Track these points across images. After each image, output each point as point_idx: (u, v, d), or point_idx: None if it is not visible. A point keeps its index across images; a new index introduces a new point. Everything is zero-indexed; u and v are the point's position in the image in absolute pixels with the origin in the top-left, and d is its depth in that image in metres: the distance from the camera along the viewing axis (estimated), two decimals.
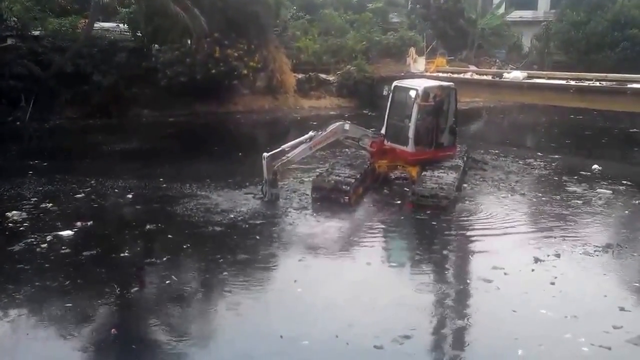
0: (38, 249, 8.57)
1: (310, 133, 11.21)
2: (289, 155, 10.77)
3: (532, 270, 8.12)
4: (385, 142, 12.34)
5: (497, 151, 16.73)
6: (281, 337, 6.23)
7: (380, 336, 6.25)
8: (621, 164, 16.42)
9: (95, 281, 7.66)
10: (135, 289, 7.51)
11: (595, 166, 14.53)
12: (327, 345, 6.20)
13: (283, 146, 10.92)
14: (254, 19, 21.28)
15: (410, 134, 11.97)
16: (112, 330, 6.44)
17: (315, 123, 22.28)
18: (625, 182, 13.16)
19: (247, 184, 12.07)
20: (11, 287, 7.43)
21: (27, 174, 12.94)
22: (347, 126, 11.75)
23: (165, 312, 6.98)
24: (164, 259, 8.46)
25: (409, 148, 12.08)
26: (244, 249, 8.81)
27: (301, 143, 11.05)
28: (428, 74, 23.20)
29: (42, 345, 6.29)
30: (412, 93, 12.09)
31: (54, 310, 6.97)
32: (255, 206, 10.77)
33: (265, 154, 10.61)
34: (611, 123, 22.30)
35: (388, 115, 12.53)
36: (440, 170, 11.96)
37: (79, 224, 9.61)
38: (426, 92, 12.07)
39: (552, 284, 7.71)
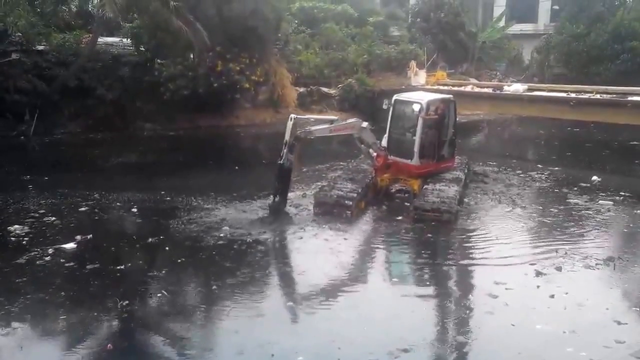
0: (40, 262, 8.59)
1: (333, 117, 11.27)
2: (311, 128, 10.78)
3: (538, 286, 8.09)
4: (388, 156, 12.38)
5: (496, 163, 16.74)
6: (272, 355, 6.17)
7: (376, 351, 6.25)
8: (620, 175, 16.47)
9: (93, 295, 7.67)
10: (127, 302, 7.45)
11: (594, 177, 14.57)
12: None
13: (309, 116, 10.95)
14: (253, 32, 21.42)
15: (416, 147, 12.02)
16: (108, 345, 6.41)
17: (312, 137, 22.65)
18: (624, 193, 13.20)
19: (255, 197, 12.14)
20: (9, 300, 7.44)
21: (30, 188, 12.98)
22: (364, 124, 11.73)
23: (155, 328, 6.94)
24: (162, 272, 8.48)
25: (414, 162, 12.12)
26: (244, 263, 8.81)
27: (324, 122, 11.13)
28: (429, 87, 23.35)
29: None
30: (416, 107, 12.13)
31: (49, 323, 6.98)
32: (259, 220, 10.77)
33: (292, 115, 10.64)
34: (610, 135, 22.34)
35: (390, 129, 12.52)
36: (442, 184, 12.00)
37: (78, 237, 9.63)
38: (430, 105, 12.17)
39: (552, 296, 7.70)
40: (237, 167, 15.93)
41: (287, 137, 10.55)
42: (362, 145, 11.94)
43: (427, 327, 7.04)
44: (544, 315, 7.17)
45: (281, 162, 10.55)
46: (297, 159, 10.78)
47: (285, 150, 10.53)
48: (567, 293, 7.82)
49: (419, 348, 6.44)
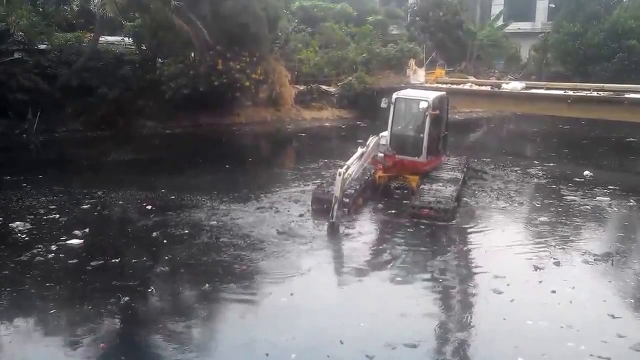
0: (43, 259, 8.66)
1: (360, 150, 11.11)
2: (350, 173, 10.38)
3: (540, 282, 8.20)
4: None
5: (494, 160, 16.97)
6: (267, 355, 6.20)
7: (372, 345, 6.32)
8: (612, 171, 16.81)
9: (95, 291, 7.72)
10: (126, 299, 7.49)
11: (586, 172, 14.89)
12: (316, 356, 6.30)
13: (347, 163, 10.54)
14: (246, 30, 21.47)
15: (425, 144, 12.21)
16: (101, 344, 6.44)
17: (304, 134, 22.77)
18: (613, 187, 13.58)
19: (252, 196, 12.27)
20: (8, 296, 7.54)
21: (32, 185, 12.98)
22: (382, 140, 11.84)
23: (151, 326, 6.99)
24: (158, 269, 8.55)
25: (422, 158, 12.31)
26: (243, 261, 8.82)
27: (355, 159, 10.86)
28: (427, 85, 23.51)
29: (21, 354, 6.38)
30: (423, 104, 12.31)
31: (48, 319, 7.05)
32: (257, 218, 10.86)
33: (341, 170, 10.09)
34: (606, 132, 22.67)
35: (392, 128, 12.50)
36: (440, 182, 12.20)
37: (78, 233, 9.74)
38: (435, 102, 12.41)
39: (554, 292, 7.80)
40: (227, 166, 15.92)
41: (337, 193, 9.96)
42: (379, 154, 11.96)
43: (424, 323, 7.07)
44: (542, 310, 7.26)
45: (332, 220, 9.99)
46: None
47: (335, 207, 9.95)
48: (565, 288, 7.92)
49: (418, 342, 6.50)
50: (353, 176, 10.59)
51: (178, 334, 6.79)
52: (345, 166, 10.31)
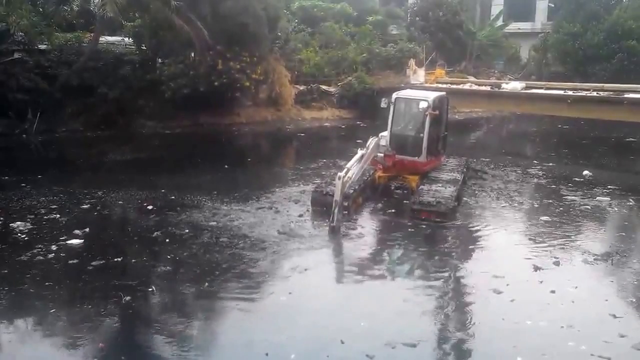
0: (43, 259, 8.66)
1: (360, 152, 11.07)
2: (350, 175, 10.35)
3: (540, 282, 8.19)
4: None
5: (494, 160, 16.98)
6: (267, 354, 6.20)
7: (373, 345, 6.33)
8: (611, 170, 16.83)
9: (96, 290, 7.73)
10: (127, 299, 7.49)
11: (586, 172, 14.93)
12: (315, 356, 6.30)
13: (347, 166, 10.50)
14: (246, 29, 21.43)
15: (425, 144, 12.23)
16: (100, 344, 6.45)
17: (304, 134, 22.77)
18: (613, 187, 13.61)
19: (252, 196, 12.27)
20: (8, 295, 7.55)
21: (32, 185, 12.98)
22: (382, 141, 11.84)
23: (149, 325, 6.99)
24: (159, 269, 8.56)
25: (422, 158, 12.32)
26: (243, 261, 8.83)
27: (355, 162, 10.81)
28: (427, 85, 23.51)
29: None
30: (423, 104, 12.34)
31: (48, 319, 7.05)
32: (257, 219, 10.84)
33: (341, 174, 10.01)
34: (606, 132, 22.70)
35: (392, 128, 12.50)
36: (439, 182, 12.20)
37: (79, 232, 9.73)
38: (435, 102, 12.43)
39: (554, 292, 7.80)
40: (227, 166, 15.88)
41: (337, 197, 9.90)
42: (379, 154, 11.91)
43: (427, 321, 7.09)
44: (542, 310, 7.27)
45: (333, 224, 9.94)
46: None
47: (335, 211, 9.89)
48: (565, 288, 7.93)
49: (418, 342, 6.49)
50: (353, 178, 10.59)
51: (178, 333, 6.78)
52: (345, 169, 10.30)
